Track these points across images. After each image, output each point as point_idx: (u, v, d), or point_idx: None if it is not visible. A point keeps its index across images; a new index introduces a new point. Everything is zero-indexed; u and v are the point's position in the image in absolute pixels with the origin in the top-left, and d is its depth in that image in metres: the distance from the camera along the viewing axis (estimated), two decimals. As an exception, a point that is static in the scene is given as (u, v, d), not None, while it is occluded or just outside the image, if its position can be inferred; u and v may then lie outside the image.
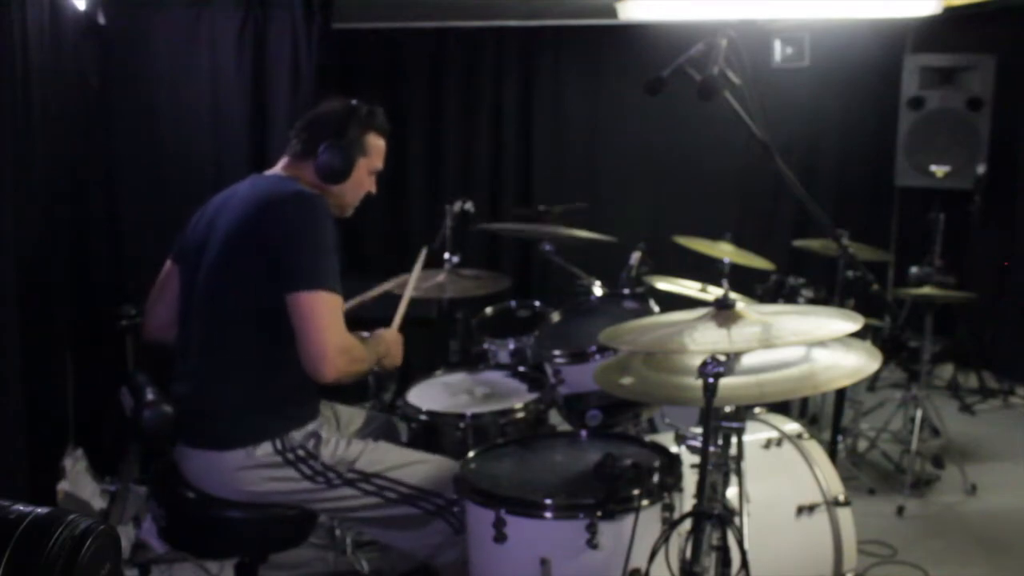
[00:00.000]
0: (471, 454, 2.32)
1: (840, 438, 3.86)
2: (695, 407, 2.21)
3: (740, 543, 1.88)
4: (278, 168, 2.48)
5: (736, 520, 2.07)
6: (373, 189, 2.56)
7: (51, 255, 3.21)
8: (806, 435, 2.63)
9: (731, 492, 2.09)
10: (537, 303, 3.67)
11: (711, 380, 1.83)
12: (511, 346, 3.27)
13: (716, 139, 5.29)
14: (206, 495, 2.31)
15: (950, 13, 4.78)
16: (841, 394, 3.39)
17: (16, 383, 2.71)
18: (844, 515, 2.48)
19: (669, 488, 2.10)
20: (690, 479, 2.18)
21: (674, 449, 2.25)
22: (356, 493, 2.32)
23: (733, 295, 2.16)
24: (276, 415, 2.29)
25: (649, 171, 5.65)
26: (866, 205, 5.74)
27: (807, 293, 3.95)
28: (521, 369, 3.07)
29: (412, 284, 2.79)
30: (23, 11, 2.89)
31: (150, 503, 2.43)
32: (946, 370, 5.34)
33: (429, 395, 2.88)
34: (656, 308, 2.93)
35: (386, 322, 2.63)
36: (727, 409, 2.03)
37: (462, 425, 2.69)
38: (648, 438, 2.44)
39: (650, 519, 2.05)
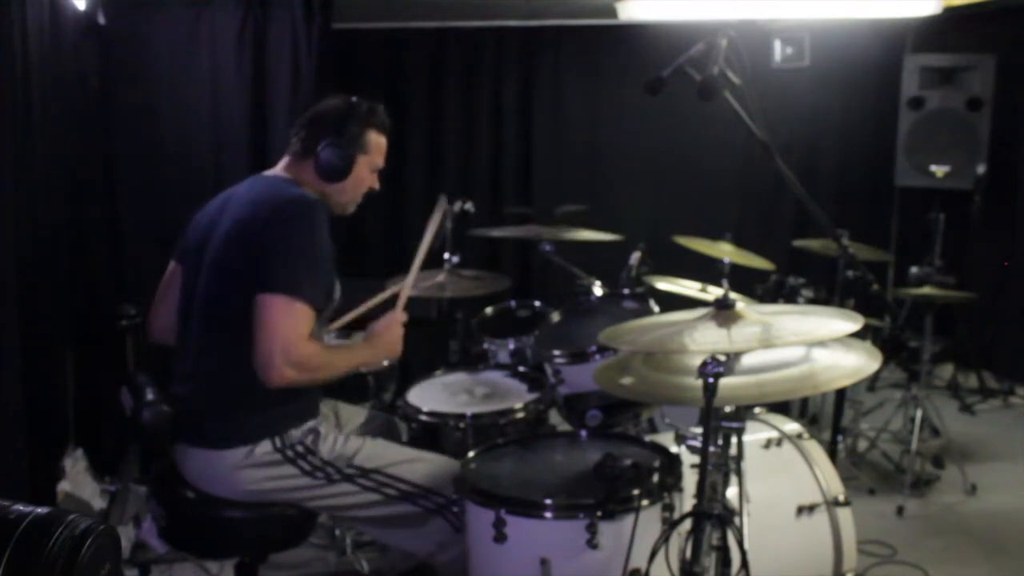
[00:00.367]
0: (471, 454, 2.32)
1: (840, 438, 3.86)
2: (695, 407, 2.21)
3: (740, 543, 1.88)
4: (279, 168, 2.47)
5: (736, 520, 2.07)
6: (376, 186, 2.53)
7: (51, 255, 3.20)
8: (806, 435, 2.63)
9: (731, 492, 2.09)
10: (537, 303, 3.67)
11: (711, 380, 1.83)
12: (511, 346, 3.27)
13: (716, 139, 5.29)
14: (206, 495, 2.31)
15: (950, 13, 4.78)
16: (841, 394, 3.39)
17: (16, 383, 2.71)
18: (844, 515, 2.48)
19: (669, 488, 2.10)
20: (690, 479, 2.18)
21: (674, 449, 2.25)
22: (355, 489, 2.32)
23: (733, 295, 2.16)
24: (275, 413, 2.29)
25: (649, 171, 5.65)
26: (866, 205, 5.74)
27: (807, 293, 3.95)
28: (521, 369, 3.07)
29: (429, 238, 2.67)
30: (23, 11, 2.89)
31: (150, 503, 2.43)
32: (946, 370, 5.34)
33: (429, 395, 2.88)
34: (656, 308, 2.93)
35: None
36: (727, 409, 2.03)
37: (462, 425, 2.69)
38: (648, 438, 2.44)
39: (650, 519, 2.05)
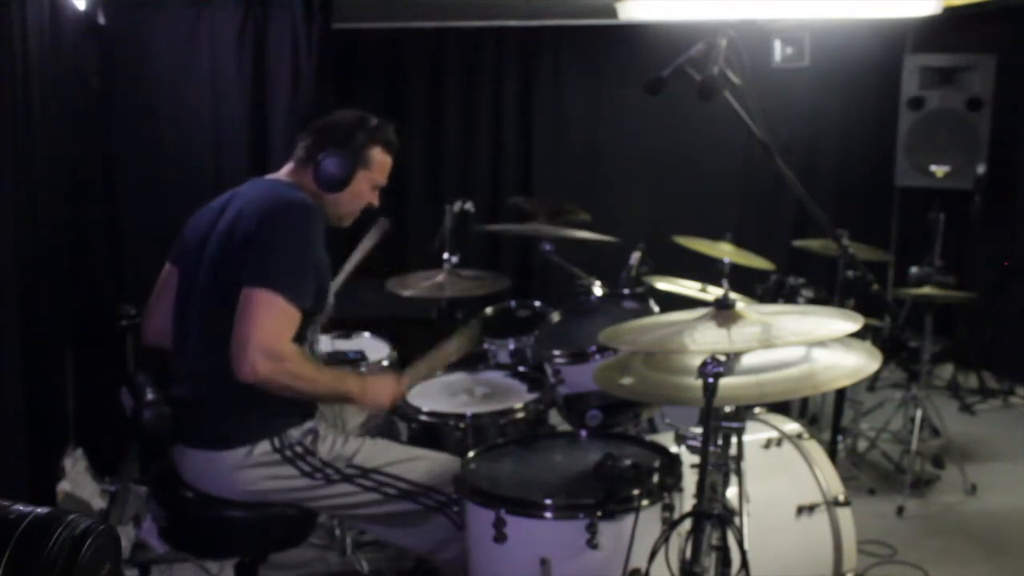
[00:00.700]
0: (471, 454, 2.32)
1: (840, 438, 3.86)
2: (695, 407, 2.21)
3: (740, 543, 1.88)
4: (282, 173, 2.48)
5: (736, 520, 2.07)
6: (375, 203, 2.54)
7: (51, 255, 3.20)
8: (806, 435, 2.63)
9: (731, 492, 2.09)
10: (537, 303, 3.67)
11: (711, 380, 1.83)
12: (511, 346, 3.27)
13: (716, 139, 5.29)
14: (206, 495, 2.31)
15: (950, 13, 4.78)
16: (841, 394, 3.39)
17: (16, 383, 2.71)
18: (844, 515, 2.48)
19: (669, 488, 2.10)
20: (690, 479, 2.18)
21: (674, 449, 2.25)
22: (355, 489, 2.32)
23: (733, 295, 2.16)
24: (274, 413, 2.29)
25: (649, 171, 5.65)
26: (866, 205, 5.74)
27: (807, 293, 3.95)
28: (521, 369, 3.07)
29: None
30: (23, 11, 2.89)
31: (150, 503, 2.43)
32: (946, 370, 5.34)
33: (429, 395, 2.88)
34: (656, 308, 2.93)
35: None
36: (727, 409, 2.03)
37: (462, 425, 2.69)
38: (648, 438, 2.44)
39: (650, 519, 2.05)
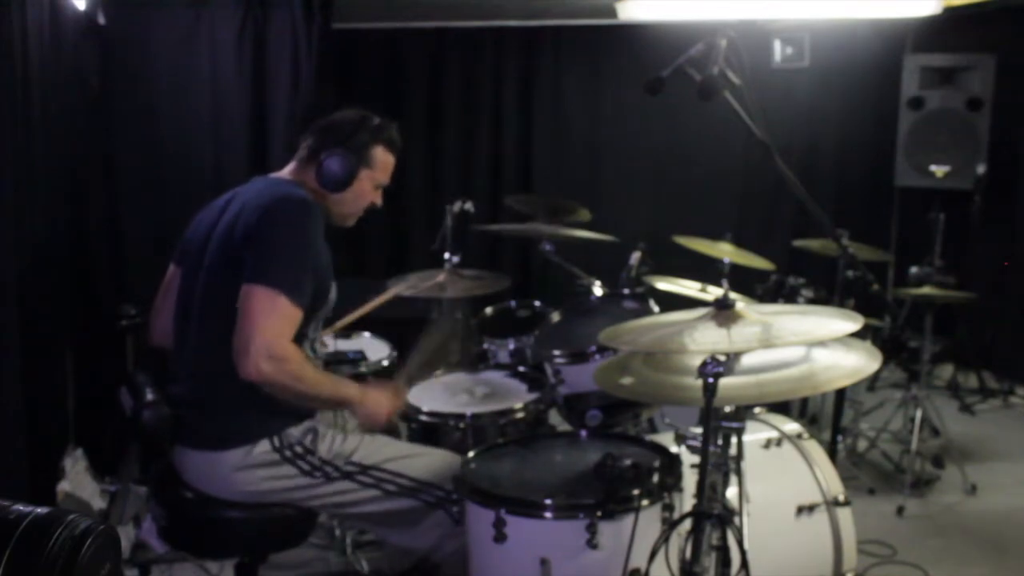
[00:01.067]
0: (471, 454, 2.32)
1: (840, 438, 3.86)
2: (695, 407, 2.21)
3: (740, 543, 1.88)
4: (284, 172, 2.48)
5: (736, 520, 2.07)
6: (378, 202, 2.54)
7: (51, 255, 3.21)
8: (806, 435, 2.63)
9: (731, 492, 2.09)
10: (537, 303, 3.67)
11: (711, 380, 1.83)
12: (511, 346, 3.27)
13: (716, 139, 5.29)
14: (205, 495, 2.30)
15: (950, 13, 4.78)
16: (841, 394, 3.39)
17: (16, 383, 2.71)
18: (844, 515, 2.48)
19: (669, 488, 2.10)
20: (690, 479, 2.18)
21: (674, 449, 2.25)
22: (354, 486, 2.32)
23: (733, 295, 2.16)
24: (273, 413, 2.29)
25: (649, 171, 5.66)
26: (866, 205, 5.74)
27: (807, 293, 3.95)
28: (521, 369, 3.07)
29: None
30: (23, 11, 2.90)
31: (150, 503, 2.43)
32: (946, 370, 5.34)
33: (429, 395, 2.88)
34: (656, 308, 2.93)
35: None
36: (727, 409, 2.03)
37: (462, 425, 2.69)
38: (648, 438, 2.44)
39: (650, 519, 2.05)
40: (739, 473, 2.10)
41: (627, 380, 2.10)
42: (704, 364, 1.83)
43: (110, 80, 3.86)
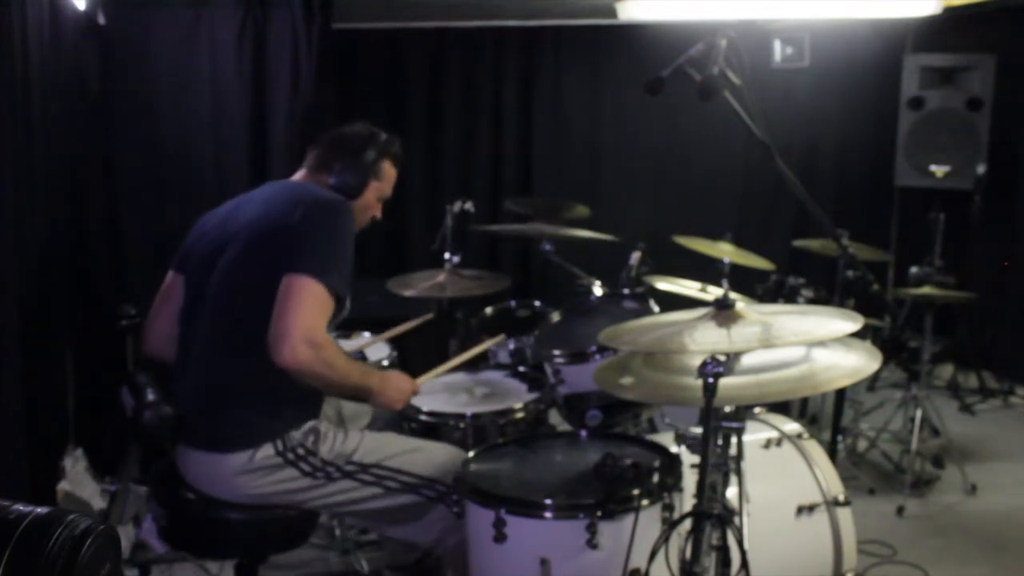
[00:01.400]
0: (471, 454, 2.32)
1: (840, 438, 3.86)
2: (695, 407, 2.21)
3: (740, 543, 1.88)
4: (298, 177, 2.53)
5: (736, 520, 2.07)
6: (378, 215, 2.61)
7: (51, 255, 3.21)
8: (806, 435, 2.63)
9: (731, 492, 2.09)
10: (537, 303, 3.67)
11: (711, 380, 1.83)
12: (511, 346, 3.27)
13: (716, 139, 5.29)
14: (207, 496, 2.30)
15: (950, 13, 4.78)
16: (841, 394, 3.39)
17: (16, 383, 2.71)
18: (844, 515, 2.48)
19: (669, 488, 2.10)
20: (690, 479, 2.18)
21: (674, 449, 2.25)
22: (355, 485, 2.32)
23: (733, 295, 2.16)
24: (277, 416, 2.29)
25: (649, 171, 5.65)
26: (866, 205, 5.74)
27: (807, 293, 3.95)
28: (521, 369, 3.07)
29: (465, 357, 2.80)
30: (23, 11, 2.90)
31: (150, 503, 2.42)
32: (946, 370, 5.34)
33: (429, 395, 2.88)
34: (656, 308, 2.93)
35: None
36: (727, 409, 2.03)
37: (462, 425, 2.69)
38: (648, 438, 2.44)
39: (650, 519, 2.05)
40: (739, 473, 2.09)
41: (627, 380, 2.10)
42: (704, 364, 1.83)
43: (110, 80, 3.86)
